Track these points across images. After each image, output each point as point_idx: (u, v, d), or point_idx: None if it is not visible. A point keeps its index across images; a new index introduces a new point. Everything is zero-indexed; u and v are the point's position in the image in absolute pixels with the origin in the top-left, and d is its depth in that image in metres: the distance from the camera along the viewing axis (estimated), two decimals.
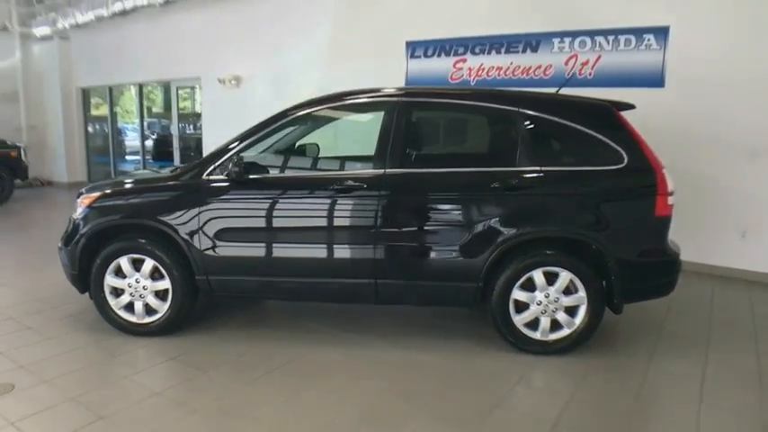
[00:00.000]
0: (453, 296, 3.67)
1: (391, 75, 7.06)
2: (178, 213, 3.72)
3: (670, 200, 3.50)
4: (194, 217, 3.70)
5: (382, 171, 3.59)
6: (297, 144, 4.17)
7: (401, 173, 3.61)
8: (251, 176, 3.61)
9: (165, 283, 3.79)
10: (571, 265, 3.48)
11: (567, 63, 6.00)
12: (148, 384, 3.23)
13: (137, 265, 3.81)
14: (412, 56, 7.04)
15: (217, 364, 3.50)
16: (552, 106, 3.67)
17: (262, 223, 3.70)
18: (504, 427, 2.85)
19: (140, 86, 10.58)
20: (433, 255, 3.60)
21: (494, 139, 3.91)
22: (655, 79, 5.58)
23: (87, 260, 3.86)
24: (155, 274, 3.80)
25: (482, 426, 2.84)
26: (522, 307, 3.58)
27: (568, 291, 3.54)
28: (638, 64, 5.62)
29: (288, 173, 3.95)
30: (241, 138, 3.79)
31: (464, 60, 6.66)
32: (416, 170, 3.68)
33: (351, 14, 7.55)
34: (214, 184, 3.71)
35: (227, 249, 3.71)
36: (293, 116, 3.81)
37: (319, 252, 3.66)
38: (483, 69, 6.53)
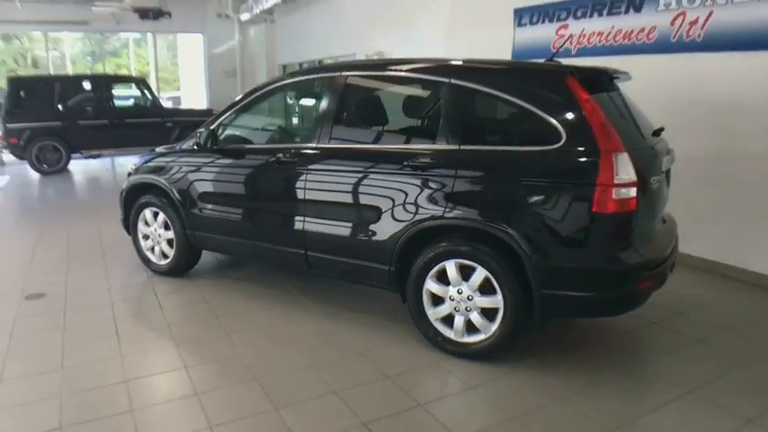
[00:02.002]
0: (368, 276, 3.51)
1: (500, 45, 6.59)
2: (173, 177, 4.32)
3: (619, 193, 2.73)
4: (181, 179, 4.25)
5: (313, 145, 3.60)
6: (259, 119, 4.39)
7: (324, 148, 3.57)
8: (207, 146, 3.99)
9: (170, 234, 4.45)
10: (484, 261, 3.02)
11: (672, 23, 4.82)
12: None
13: (156, 217, 4.54)
14: (519, 24, 6.43)
15: (186, 303, 4.07)
16: (487, 76, 3.17)
17: (221, 188, 4.07)
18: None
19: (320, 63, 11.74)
20: (347, 232, 3.49)
21: (419, 114, 3.51)
22: None
23: (128, 209, 4.73)
24: (167, 225, 4.48)
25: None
26: (438, 300, 3.25)
27: (488, 290, 3.07)
28: (763, 20, 4.24)
29: (246, 145, 4.17)
30: (219, 114, 4.19)
31: (566, 26, 5.84)
32: (335, 146, 3.56)
33: None
34: (193, 154, 4.19)
35: (202, 210, 4.18)
36: (255, 95, 4.06)
37: (261, 219, 3.87)
38: (584, 36, 5.64)
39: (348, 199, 3.50)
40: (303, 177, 3.62)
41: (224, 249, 4.32)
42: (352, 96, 3.65)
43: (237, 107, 4.11)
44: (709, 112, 4.68)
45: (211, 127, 4.09)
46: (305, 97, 3.91)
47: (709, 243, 4.80)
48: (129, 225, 4.75)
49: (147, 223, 4.61)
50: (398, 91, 3.63)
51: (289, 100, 4.01)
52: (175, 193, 4.29)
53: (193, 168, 4.22)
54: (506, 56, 6.53)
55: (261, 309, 3.96)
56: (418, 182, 3.19)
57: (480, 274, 3.05)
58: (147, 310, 4.00)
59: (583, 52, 5.68)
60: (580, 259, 2.83)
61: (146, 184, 4.52)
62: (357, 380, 3.03)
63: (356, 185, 3.45)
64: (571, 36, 5.76)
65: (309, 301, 4.06)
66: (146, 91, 10.63)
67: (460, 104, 3.19)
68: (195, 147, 4.14)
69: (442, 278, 3.20)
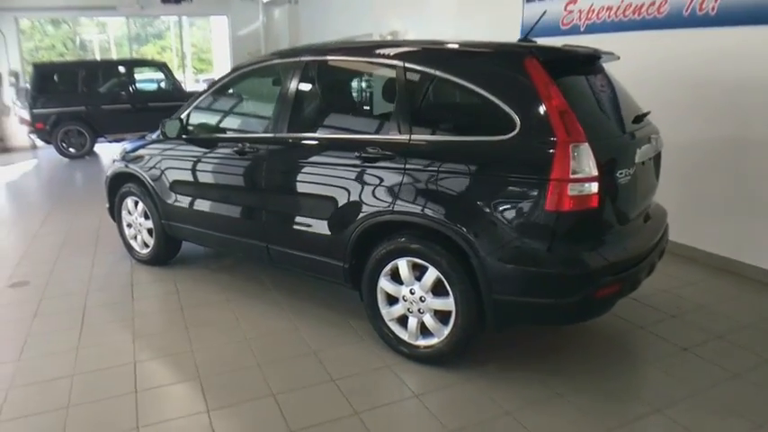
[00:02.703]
0: (325, 272, 3.35)
1: (509, 23, 6.22)
2: (147, 166, 4.27)
3: (577, 189, 2.46)
4: (153, 168, 4.20)
5: (271, 135, 3.46)
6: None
7: (280, 138, 3.42)
8: (169, 136, 3.91)
9: (150, 223, 4.42)
10: (435, 261, 2.81)
11: None
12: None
13: (137, 206, 4.51)
14: (527, 0, 6.04)
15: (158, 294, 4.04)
16: (441, 59, 2.91)
17: (189, 178, 4.00)
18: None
19: None
20: (303, 225, 3.34)
21: (373, 101, 3.28)
22: None
23: (113, 197, 4.73)
24: (146, 215, 4.45)
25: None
26: (393, 300, 3.07)
27: (441, 292, 2.86)
28: None
29: (211, 134, 4.03)
30: (189, 102, 4.10)
31: (575, 1, 5.43)
32: (290, 135, 3.39)
33: None
34: (165, 143, 4.12)
35: (173, 200, 4.12)
36: (220, 83, 3.95)
37: (226, 210, 3.77)
38: (593, 11, 5.22)
39: (302, 191, 3.36)
40: (262, 168, 3.49)
41: (195, 240, 4.25)
42: (309, 83, 3.47)
43: (204, 95, 4.00)
44: (724, 92, 4.25)
45: (181, 116, 4.00)
46: (267, 84, 3.74)
47: (721, 237, 4.40)
48: (114, 213, 4.76)
49: (129, 212, 4.60)
50: (354, 77, 3.42)
51: (253, 87, 3.84)
52: (150, 182, 4.24)
53: (165, 158, 4.15)
54: (515, 34, 6.16)
55: (230, 302, 3.88)
56: (369, 174, 3.00)
57: (432, 274, 2.85)
58: (119, 300, 3.98)
59: (591, 29, 5.28)
60: (532, 262, 2.57)
61: (125, 173, 4.49)
62: (300, 382, 2.91)
63: (310, 177, 3.30)
64: (581, 11, 5.36)
65: (280, 296, 3.95)
66: (168, 75, 10.72)
67: (413, 90, 2.95)
68: (161, 136, 4.07)
69: (396, 277, 3.01)
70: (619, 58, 3.37)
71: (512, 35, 6.06)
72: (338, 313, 3.63)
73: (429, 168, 2.79)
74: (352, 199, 3.07)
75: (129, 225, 4.64)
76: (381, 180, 2.94)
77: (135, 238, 4.64)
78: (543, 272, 2.55)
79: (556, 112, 2.50)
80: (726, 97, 4.24)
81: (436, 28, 7.71)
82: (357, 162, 3.02)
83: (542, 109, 2.52)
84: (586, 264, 2.56)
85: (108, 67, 10.87)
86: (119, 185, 4.61)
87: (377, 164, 2.95)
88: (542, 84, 2.56)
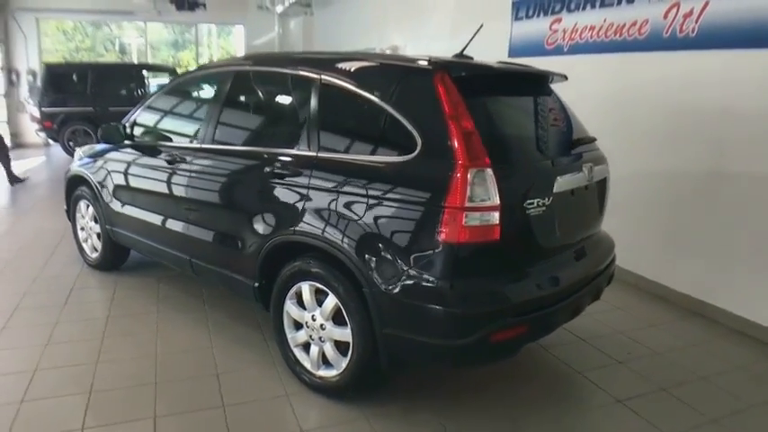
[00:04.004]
0: (239, 289, 3.19)
1: (498, 41, 6.01)
2: (95, 169, 4.21)
3: (474, 218, 2.23)
4: (98, 172, 4.15)
5: (197, 146, 3.36)
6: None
7: (205, 148, 3.30)
8: (105, 140, 3.84)
9: (99, 228, 4.34)
10: (333, 287, 2.61)
11: (666, 15, 4.09)
12: None
13: (88, 210, 4.45)
14: (516, 17, 5.81)
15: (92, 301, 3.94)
16: (354, 73, 2.73)
17: (124, 184, 3.91)
18: None
19: None
20: (218, 240, 3.20)
21: (291, 114, 3.09)
22: None
23: (69, 199, 4.69)
24: (96, 218, 4.38)
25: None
26: (300, 325, 2.88)
27: (341, 321, 2.66)
28: (764, 13, 3.48)
29: (146, 141, 3.92)
30: (135, 108, 4.04)
31: (559, 20, 5.18)
32: (212, 146, 3.27)
33: None
34: (111, 148, 4.05)
35: (112, 205, 4.04)
36: (164, 90, 3.92)
37: (155, 219, 3.65)
38: (576, 31, 4.96)
39: (218, 204, 3.23)
40: (186, 178, 3.36)
41: (134, 248, 4.14)
42: (233, 94, 3.34)
43: (147, 101, 3.92)
44: (702, 120, 3.95)
45: (126, 120, 3.93)
46: (201, 94, 3.63)
47: (695, 277, 4.06)
48: (70, 215, 4.72)
49: (82, 215, 4.54)
50: (275, 89, 3.26)
51: (188, 97, 3.74)
52: (96, 185, 4.17)
53: (110, 162, 4.08)
54: (503, 52, 5.94)
55: (158, 314, 3.75)
56: (277, 190, 2.83)
57: (331, 301, 2.66)
58: (51, 304, 3.89)
59: (574, 49, 5.03)
60: (423, 297, 2.33)
61: (78, 176, 4.44)
62: (189, 406, 2.74)
63: (225, 190, 3.16)
64: (565, 30, 5.12)
65: (211, 312, 3.79)
66: None
67: (326, 104, 2.78)
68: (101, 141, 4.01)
69: (301, 301, 2.83)
70: (566, 78, 3.14)
71: (500, 53, 5.92)
72: (261, 335, 3.45)
73: (331, 188, 2.61)
74: (261, 215, 2.91)
75: (82, 228, 4.59)
76: (288, 197, 2.77)
77: (86, 241, 4.58)
78: (434, 309, 2.31)
79: (459, 132, 2.29)
80: (704, 126, 3.94)
81: (433, 45, 7.57)
82: (267, 177, 2.87)
83: (445, 129, 2.31)
84: (481, 303, 2.32)
85: (119, 69, 11.05)
86: (74, 188, 4.56)
87: (284, 180, 2.79)
88: (449, 102, 2.35)
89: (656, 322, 3.87)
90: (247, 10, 13.33)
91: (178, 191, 3.45)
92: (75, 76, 10.34)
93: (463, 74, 2.48)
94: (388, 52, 8.64)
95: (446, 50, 6.99)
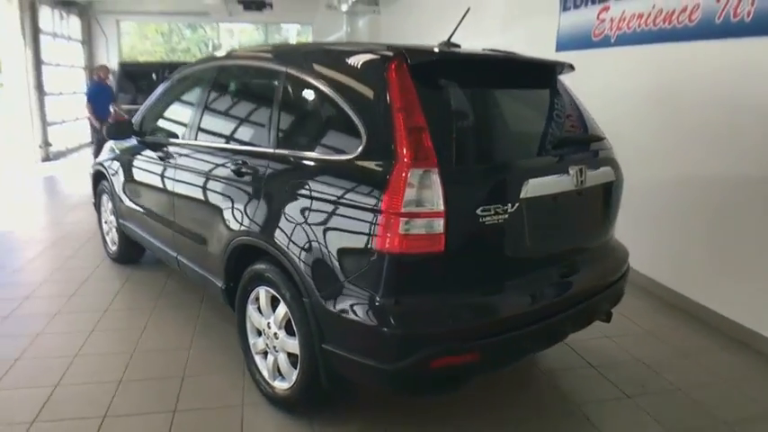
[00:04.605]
0: (212, 291, 3.06)
1: (546, 34, 5.57)
2: (109, 163, 4.28)
3: (413, 226, 1.95)
4: (111, 166, 4.21)
5: (183, 141, 3.33)
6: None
7: (188, 144, 3.24)
8: (109, 137, 3.85)
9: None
10: (283, 294, 2.41)
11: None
12: None
13: (108, 204, 4.54)
14: (564, 8, 5.32)
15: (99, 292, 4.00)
16: (317, 64, 2.50)
17: (129, 179, 3.95)
18: None
19: None
20: (193, 239, 3.11)
21: (261, 110, 2.88)
22: None
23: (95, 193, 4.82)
24: (114, 212, 4.46)
25: None
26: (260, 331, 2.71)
27: (293, 331, 2.45)
28: None
29: (149, 136, 3.85)
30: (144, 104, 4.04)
31: (607, 8, 4.66)
32: (193, 142, 3.20)
33: None
34: (121, 143, 4.08)
35: (120, 199, 4.08)
36: (166, 85, 3.86)
37: (151, 214, 3.64)
38: (624, 19, 4.44)
39: (194, 200, 3.13)
40: (172, 175, 3.31)
41: (140, 243, 4.14)
42: (217, 89, 3.23)
43: (153, 98, 3.91)
44: (760, 117, 3.37)
45: (135, 118, 3.95)
46: (190, 89, 3.55)
47: (743, 300, 3.48)
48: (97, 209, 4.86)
49: (105, 209, 4.65)
50: (248, 83, 3.12)
51: (183, 92, 3.67)
52: (111, 179, 4.24)
53: (121, 157, 4.13)
54: (551, 48, 5.49)
55: (154, 310, 3.72)
56: (239, 189, 2.69)
57: (282, 309, 2.46)
58: (60, 294, 4.00)
59: (622, 40, 4.51)
60: (357, 312, 2.07)
61: (100, 171, 4.54)
62: (141, 408, 2.65)
63: (199, 187, 3.05)
64: (612, 19, 4.62)
65: (205, 312, 3.72)
66: None
67: (288, 98, 2.60)
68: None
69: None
70: (572, 68, 2.75)
71: (548, 48, 5.47)
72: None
73: (280, 187, 2.43)
74: (225, 214, 2.78)
75: (106, 222, 4.70)
76: (247, 196, 2.62)
77: (108, 234, 4.68)
78: (367, 326, 2.04)
79: (404, 127, 2.02)
80: (764, 123, 3.36)
81: (486, 41, 7.20)
82: (232, 174, 2.73)
83: (390, 123, 2.05)
84: (418, 323, 2.03)
85: None
86: (98, 182, 4.68)
87: (244, 178, 2.64)
88: (400, 93, 2.08)
89: (691, 351, 3.35)
90: (316, 9, 13.44)
91: (166, 186, 3.41)
92: (145, 75, 10.83)
93: (424, 61, 2.20)
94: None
95: (499, 46, 6.66)
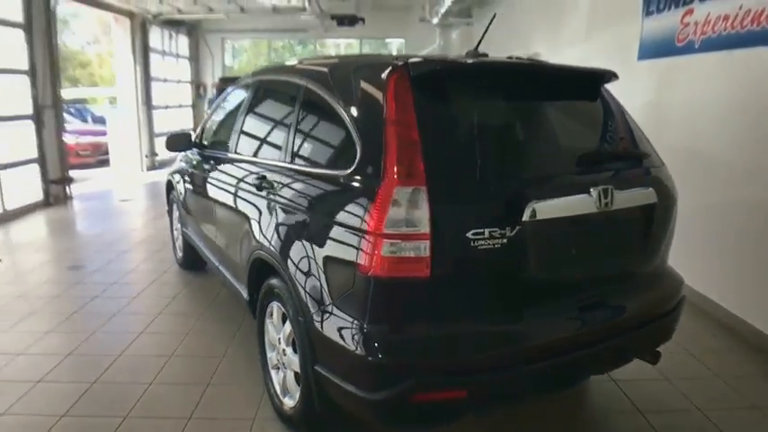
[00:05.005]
0: (242, 302, 3.08)
1: (628, 42, 5.18)
2: (176, 173, 4.52)
3: (397, 249, 1.83)
4: (177, 176, 4.44)
5: (222, 154, 3.47)
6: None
7: (223, 157, 3.39)
8: (168, 148, 4.03)
9: None
10: (287, 310, 2.38)
11: None
12: None
13: (175, 211, 4.79)
14: (647, 13, 4.88)
15: (154, 295, 4.23)
16: (329, 77, 2.45)
17: (188, 189, 4.12)
18: None
19: None
20: (225, 249, 3.22)
21: (280, 124, 2.85)
22: None
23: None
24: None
25: None
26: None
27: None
28: None
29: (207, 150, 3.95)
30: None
31: (691, 12, 4.20)
32: (231, 155, 3.31)
33: None
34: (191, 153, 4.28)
35: (181, 207, 4.28)
36: (218, 100, 3.98)
37: (197, 223, 3.77)
38: (709, 23, 3.97)
39: (227, 213, 3.25)
40: (215, 185, 3.46)
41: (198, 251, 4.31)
42: (253, 104, 3.29)
43: (214, 109, 4.07)
44: None
45: (197, 129, 4.15)
46: (236, 104, 3.63)
47: None
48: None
49: (174, 217, 4.92)
50: (276, 96, 3.12)
51: (233, 106, 3.78)
52: (176, 188, 4.48)
53: (182, 167, 4.34)
54: (632, 56, 5.08)
55: (199, 317, 3.84)
56: (259, 202, 2.71)
57: (288, 326, 2.43)
58: (123, 296, 4.25)
59: (707, 45, 4.05)
60: (342, 336, 1.97)
61: (169, 180, 4.80)
62: (160, 412, 2.71)
63: (230, 199, 3.15)
64: (696, 23, 4.17)
65: (247, 322, 3.71)
66: None
67: (304, 112, 2.58)
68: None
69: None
70: (616, 76, 2.49)
71: (630, 57, 5.08)
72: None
73: (288, 202, 2.41)
74: (247, 226, 2.82)
75: (175, 229, 4.96)
76: (265, 209, 2.65)
77: (177, 240, 4.94)
78: (348, 351, 1.94)
79: (395, 142, 1.92)
80: None
81: (569, 51, 6.89)
82: (254, 188, 2.76)
83: (381, 138, 1.95)
84: (398, 352, 1.89)
85: None
86: (170, 191, 4.95)
87: (262, 192, 2.65)
88: (395, 107, 1.98)
89: (763, 403, 2.88)
90: (409, 24, 13.52)
91: (210, 196, 3.53)
92: None
93: (427, 73, 2.08)
94: (525, 59, 8.15)
95: (581, 56, 6.37)
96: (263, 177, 2.68)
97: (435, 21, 11.38)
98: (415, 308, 1.92)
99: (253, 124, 3.21)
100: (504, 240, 1.90)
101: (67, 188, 7.93)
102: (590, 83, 2.49)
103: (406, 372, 1.87)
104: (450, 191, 1.89)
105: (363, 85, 2.21)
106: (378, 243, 1.84)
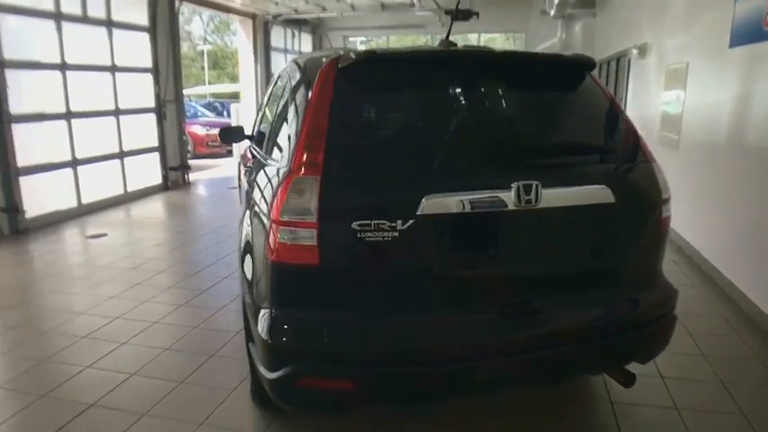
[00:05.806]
0: None
1: (719, 27, 4.60)
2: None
3: (289, 235, 1.93)
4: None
5: (256, 150, 3.59)
6: None
7: (253, 149, 3.62)
8: (222, 140, 4.20)
9: None
10: None
11: None
12: None
13: None
14: None
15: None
16: (303, 71, 2.64)
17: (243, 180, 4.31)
18: None
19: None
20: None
21: (276, 119, 2.99)
22: None
23: None
24: None
25: None
26: None
27: None
28: None
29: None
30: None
31: None
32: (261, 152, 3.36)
33: None
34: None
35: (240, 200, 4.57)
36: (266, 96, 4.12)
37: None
38: None
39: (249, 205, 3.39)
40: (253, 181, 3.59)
41: None
42: (278, 99, 3.30)
43: (261, 109, 4.21)
44: None
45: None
46: (273, 98, 3.68)
47: None
48: None
49: None
50: (284, 89, 3.12)
51: (278, 99, 3.82)
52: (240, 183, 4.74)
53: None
54: (724, 43, 4.49)
55: None
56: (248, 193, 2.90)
57: None
58: (211, 307, 4.16)
59: None
60: (252, 315, 2.21)
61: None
62: (183, 415, 2.77)
63: (248, 191, 3.29)
64: None
65: None
66: None
67: (284, 105, 2.81)
68: None
69: None
70: (596, 65, 2.27)
71: (722, 45, 4.52)
72: None
73: (250, 193, 2.64)
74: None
75: None
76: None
77: None
78: (257, 331, 2.05)
79: (304, 134, 1.97)
80: None
81: (669, 41, 6.27)
82: (250, 177, 2.97)
83: (298, 130, 2.02)
84: (285, 336, 1.96)
85: None
86: None
87: (250, 182, 2.86)
88: (315, 100, 2.05)
89: None
90: (527, 17, 13.00)
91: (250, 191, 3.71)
92: None
93: (356, 64, 2.08)
94: (635, 51, 7.65)
95: (679, 46, 5.82)
96: (250, 171, 2.84)
97: (552, 12, 10.82)
98: (306, 295, 1.98)
99: (267, 117, 3.40)
100: (396, 234, 1.86)
101: (186, 175, 8.88)
102: (532, 70, 2.32)
103: (291, 356, 1.94)
104: (341, 181, 1.91)
105: (305, 78, 2.32)
106: (276, 230, 1.91)
